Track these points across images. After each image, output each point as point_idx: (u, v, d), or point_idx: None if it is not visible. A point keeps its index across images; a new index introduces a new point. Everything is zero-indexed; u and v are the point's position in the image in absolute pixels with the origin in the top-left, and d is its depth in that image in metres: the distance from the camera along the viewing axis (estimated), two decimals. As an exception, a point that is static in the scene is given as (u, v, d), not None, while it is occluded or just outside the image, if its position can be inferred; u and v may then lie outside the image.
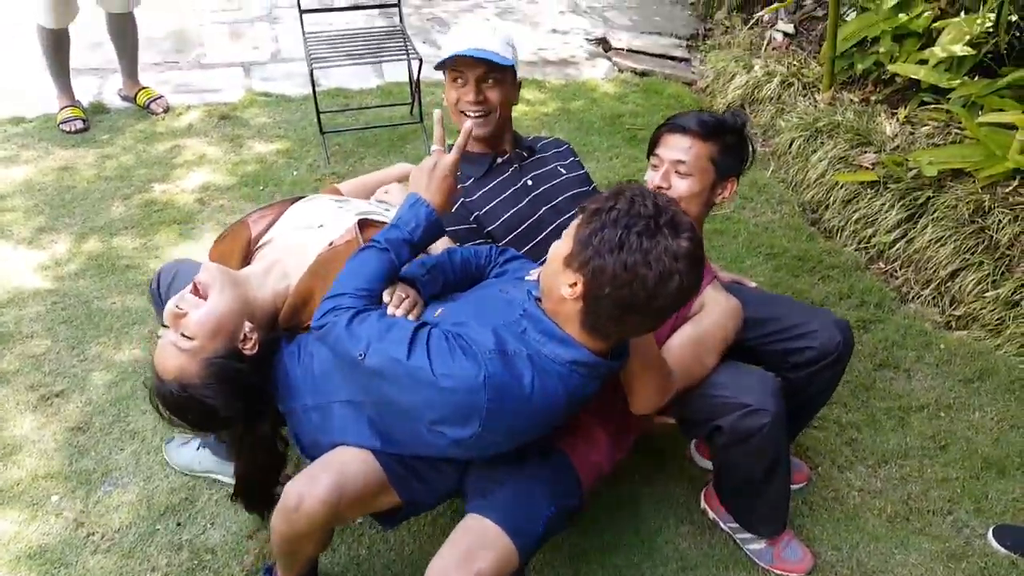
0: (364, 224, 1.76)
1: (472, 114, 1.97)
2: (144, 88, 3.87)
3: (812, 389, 1.96)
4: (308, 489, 1.50)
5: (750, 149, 1.91)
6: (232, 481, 2.07)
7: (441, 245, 1.86)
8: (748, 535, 2.01)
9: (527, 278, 1.58)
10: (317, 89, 3.62)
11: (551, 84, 4.47)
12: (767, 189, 3.59)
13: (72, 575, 1.90)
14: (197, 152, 3.60)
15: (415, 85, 3.76)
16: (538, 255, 1.85)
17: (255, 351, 1.64)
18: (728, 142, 1.84)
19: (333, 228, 1.78)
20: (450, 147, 1.68)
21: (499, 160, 2.05)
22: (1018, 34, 3.74)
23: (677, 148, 1.82)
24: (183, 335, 1.57)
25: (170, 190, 3.33)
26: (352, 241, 1.71)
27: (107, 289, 2.77)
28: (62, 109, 3.67)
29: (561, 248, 1.38)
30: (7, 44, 4.38)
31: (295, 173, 3.48)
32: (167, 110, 3.85)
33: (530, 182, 2.04)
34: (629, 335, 1.47)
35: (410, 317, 1.51)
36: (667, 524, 2.08)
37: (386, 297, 1.53)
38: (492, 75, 1.94)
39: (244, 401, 1.64)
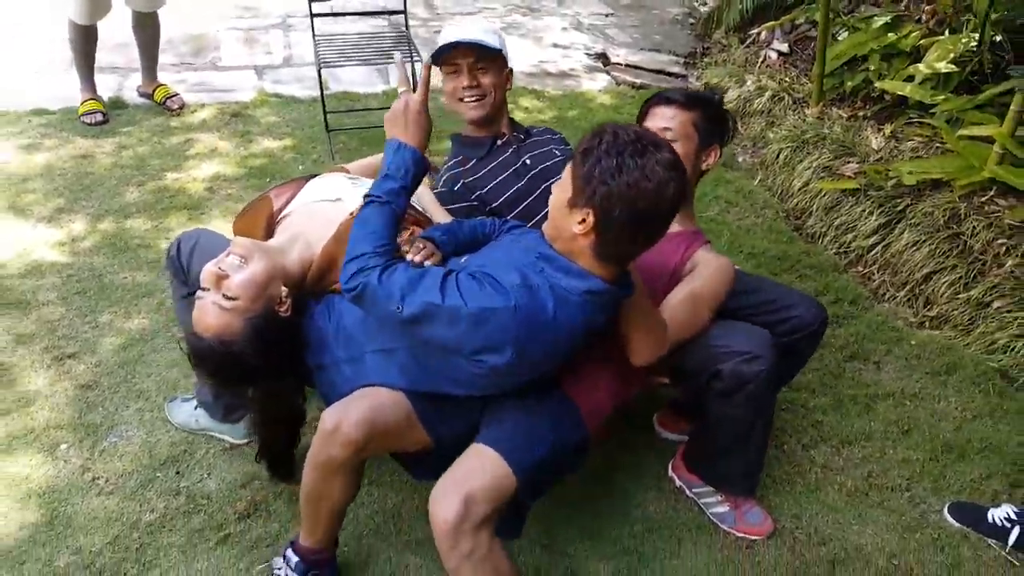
0: None
1: (468, 98, 2.14)
2: (161, 85, 4.05)
3: (789, 359, 2.08)
4: (345, 412, 1.61)
5: (730, 122, 2.08)
6: (225, 438, 2.23)
7: (442, 218, 2.02)
8: (713, 499, 2.13)
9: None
10: (325, 93, 3.80)
11: (550, 94, 4.64)
12: (752, 195, 3.74)
13: (77, 513, 2.04)
14: (209, 145, 3.77)
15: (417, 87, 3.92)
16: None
17: (288, 313, 1.78)
18: (708, 112, 2.02)
19: (351, 200, 1.91)
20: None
21: (498, 142, 2.21)
22: (1000, 53, 3.89)
23: (662, 117, 2.01)
24: (225, 296, 1.69)
25: (182, 179, 3.50)
26: None
27: (119, 265, 2.93)
28: (84, 102, 3.86)
29: (560, 195, 1.53)
30: (41, 40, 4.59)
31: (301, 167, 3.64)
32: (182, 107, 4.03)
33: (528, 161, 2.19)
34: (637, 253, 1.60)
35: (428, 263, 1.64)
36: (635, 489, 2.20)
37: (405, 247, 1.66)
38: (483, 61, 2.11)
39: (277, 357, 1.77)
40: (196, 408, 2.27)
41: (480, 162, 2.17)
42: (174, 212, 3.26)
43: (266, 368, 1.77)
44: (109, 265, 2.92)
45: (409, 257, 1.64)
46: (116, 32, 4.01)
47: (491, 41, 2.09)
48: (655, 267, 1.92)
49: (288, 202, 2.00)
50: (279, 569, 1.86)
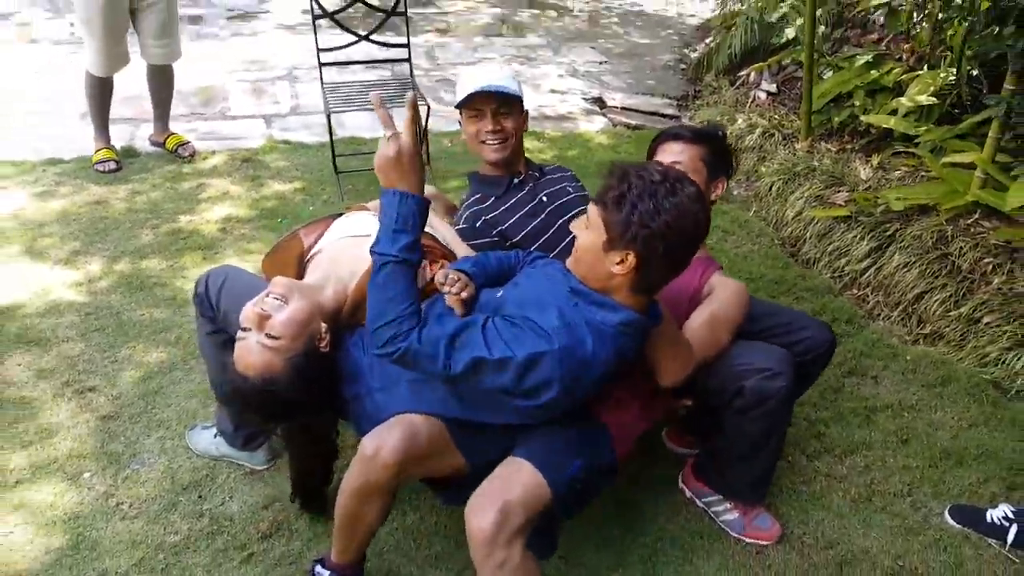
0: None
1: (491, 141, 2.24)
2: (173, 134, 4.20)
3: (799, 379, 2.13)
4: (384, 438, 1.67)
5: (732, 156, 2.19)
6: (245, 465, 2.30)
7: (465, 252, 2.08)
8: (722, 507, 2.19)
9: None
10: (332, 138, 3.94)
11: (549, 135, 4.80)
12: (748, 225, 3.86)
13: (102, 537, 2.09)
14: (220, 189, 3.90)
15: (423, 131, 4.07)
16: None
17: (328, 348, 1.83)
18: (714, 146, 2.15)
19: None
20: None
21: (515, 180, 2.31)
22: (977, 85, 4.06)
23: (672, 152, 2.12)
24: (268, 335, 1.74)
25: (195, 220, 3.61)
26: None
27: (136, 303, 3.02)
28: (98, 151, 4.00)
29: (593, 239, 1.61)
30: (51, 93, 4.76)
31: (311, 208, 3.76)
32: (194, 155, 4.16)
33: (544, 198, 2.29)
34: (669, 281, 1.69)
35: (464, 294, 1.68)
36: (647, 501, 2.26)
37: (440, 277, 1.70)
38: (504, 106, 2.22)
39: (318, 392, 1.83)
40: (216, 436, 2.34)
41: (499, 200, 2.27)
42: (188, 252, 3.36)
43: (306, 403, 1.82)
44: (126, 303, 3.01)
45: (445, 289, 1.68)
46: (128, 85, 4.18)
47: (513, 88, 2.22)
48: (675, 293, 2.00)
49: (317, 240, 2.07)
50: None
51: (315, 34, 3.89)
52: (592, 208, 1.63)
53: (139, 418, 2.48)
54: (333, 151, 3.93)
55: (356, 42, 3.92)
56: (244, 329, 1.77)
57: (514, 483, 1.66)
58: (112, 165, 3.98)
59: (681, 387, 1.96)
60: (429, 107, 3.94)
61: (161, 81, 4.04)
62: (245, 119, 4.75)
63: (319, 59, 3.92)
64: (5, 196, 3.73)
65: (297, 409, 1.84)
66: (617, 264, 1.59)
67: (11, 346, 2.75)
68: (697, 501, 2.25)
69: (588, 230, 1.63)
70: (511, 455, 1.74)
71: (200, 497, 2.22)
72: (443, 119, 4.75)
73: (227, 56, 5.61)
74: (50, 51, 5.54)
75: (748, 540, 2.15)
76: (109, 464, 2.31)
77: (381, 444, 1.67)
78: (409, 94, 1.66)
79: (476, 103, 2.21)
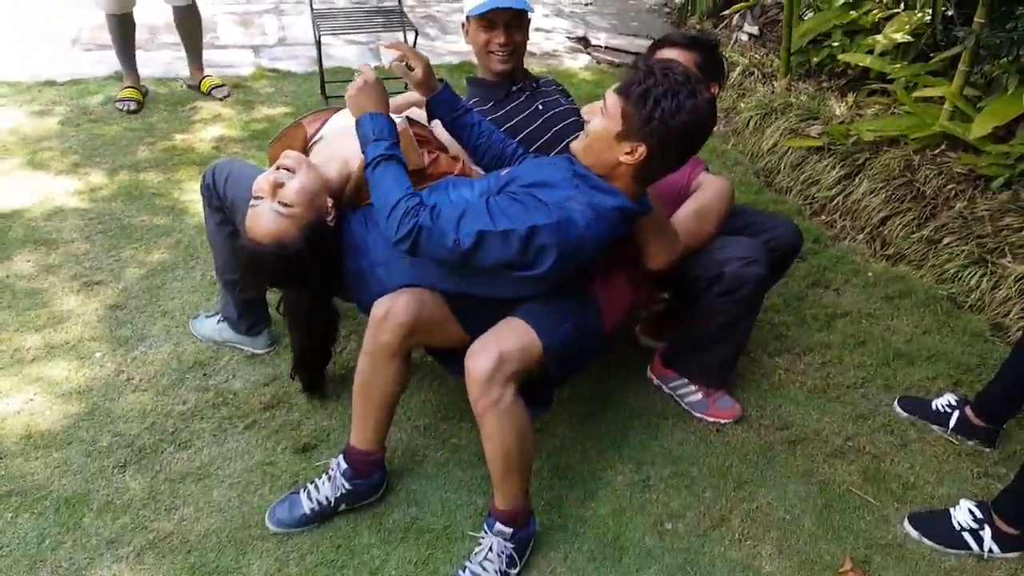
0: (410, 121, 2.10)
1: (500, 52, 2.26)
2: (207, 76, 4.18)
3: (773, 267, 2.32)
4: (393, 301, 1.81)
5: (725, 63, 2.32)
6: (247, 349, 2.45)
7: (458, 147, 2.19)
8: (687, 390, 2.38)
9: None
10: (321, 63, 4.02)
11: (534, 71, 4.87)
12: (725, 155, 4.02)
13: (115, 406, 2.25)
14: (212, 112, 3.99)
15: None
16: None
17: (334, 222, 1.94)
18: (707, 52, 2.26)
19: None
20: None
21: (514, 88, 2.35)
22: (951, 26, 4.20)
23: (668, 57, 2.20)
24: (281, 203, 1.83)
25: (189, 139, 3.72)
26: (404, 130, 2.00)
27: (137, 210, 3.14)
28: (124, 88, 3.99)
29: (604, 126, 1.71)
30: (44, 19, 4.80)
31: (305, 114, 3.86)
32: (228, 96, 4.14)
33: (540, 107, 2.35)
34: (667, 174, 1.83)
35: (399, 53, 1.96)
36: (618, 386, 2.45)
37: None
38: (516, 19, 2.26)
39: (325, 262, 1.94)
40: (219, 323, 2.48)
41: (498, 104, 2.32)
42: (184, 167, 3.47)
43: (315, 271, 1.93)
44: (127, 210, 3.13)
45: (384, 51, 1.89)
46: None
47: (527, 3, 2.28)
48: (666, 188, 2.13)
49: (320, 128, 2.17)
50: (332, 469, 2.00)
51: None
52: (612, 97, 1.70)
53: (145, 308, 2.62)
54: (322, 76, 4.03)
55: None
56: (257, 198, 1.88)
57: (509, 335, 1.80)
58: (132, 105, 3.92)
59: (663, 277, 2.12)
60: (417, 32, 4.03)
61: (190, 22, 4.00)
62: (234, 48, 4.81)
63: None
64: (3, 113, 3.81)
65: (305, 276, 1.95)
66: (627, 154, 1.70)
67: (19, 245, 2.88)
68: (664, 387, 2.44)
69: (603, 118, 1.72)
70: (508, 317, 1.87)
71: (205, 375, 2.38)
72: (428, 52, 4.84)
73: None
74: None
75: (710, 419, 2.35)
76: (118, 346, 2.46)
77: (391, 305, 1.81)
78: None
79: (490, 13, 2.24)
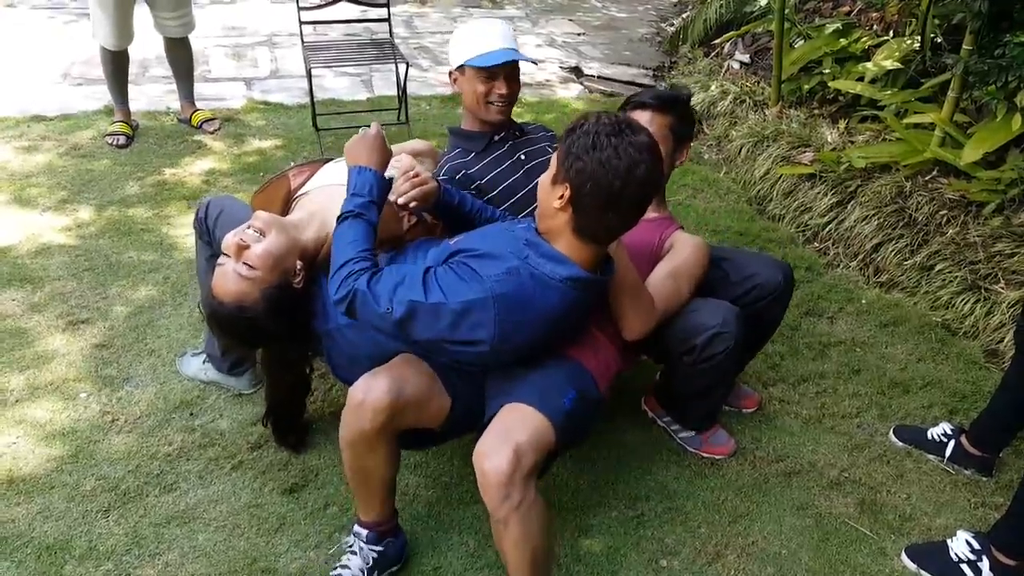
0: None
1: (499, 103, 2.23)
2: (198, 110, 4.15)
3: (759, 325, 2.26)
4: (370, 383, 1.69)
5: (696, 119, 2.28)
6: (233, 388, 2.41)
7: None
8: (680, 426, 2.34)
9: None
10: (312, 95, 4.03)
11: (527, 100, 4.92)
12: (717, 184, 4.01)
13: (99, 448, 2.22)
14: (202, 145, 3.99)
15: (402, 89, 4.18)
16: None
17: (301, 285, 1.92)
18: (680, 112, 2.20)
19: None
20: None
21: (496, 137, 2.32)
22: (940, 52, 4.22)
23: (641, 121, 2.15)
24: (245, 264, 1.83)
25: (179, 173, 3.71)
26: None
27: (124, 246, 3.12)
28: (114, 123, 3.97)
29: (547, 174, 1.67)
30: (32, 55, 4.81)
31: (291, 164, 3.86)
32: (219, 130, 4.11)
33: (523, 156, 2.32)
34: (613, 231, 1.69)
35: (413, 193, 1.85)
36: (612, 422, 2.41)
37: (397, 174, 1.83)
38: (515, 70, 2.24)
39: (288, 324, 1.92)
40: (204, 362, 2.45)
41: (478, 155, 2.29)
42: (174, 202, 3.46)
43: (277, 333, 1.92)
44: (114, 246, 3.12)
45: (399, 180, 1.83)
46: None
47: (527, 54, 2.26)
48: (636, 251, 2.04)
49: (305, 182, 2.16)
50: (351, 545, 1.90)
51: (297, -7, 3.99)
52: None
53: (131, 347, 2.60)
54: (313, 108, 4.03)
55: (336, 1, 4.00)
56: (225, 255, 1.87)
57: (519, 425, 1.67)
58: (122, 140, 3.90)
59: (640, 342, 2.03)
60: (408, 65, 4.05)
61: (181, 55, 3.99)
62: (225, 81, 4.83)
63: (299, 17, 4.01)
64: (-9, 149, 3.81)
65: (267, 336, 1.94)
66: (558, 199, 1.61)
67: (4, 284, 2.86)
68: (658, 421, 2.41)
69: (550, 165, 1.68)
70: (505, 403, 1.75)
71: (192, 415, 2.35)
72: (420, 83, 4.87)
73: (206, 22, 5.62)
74: (28, 15, 5.59)
75: (705, 455, 2.31)
76: (104, 386, 2.43)
77: (368, 388, 1.69)
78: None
79: (496, 67, 2.18)
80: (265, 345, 2.07)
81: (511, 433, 1.65)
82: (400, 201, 1.88)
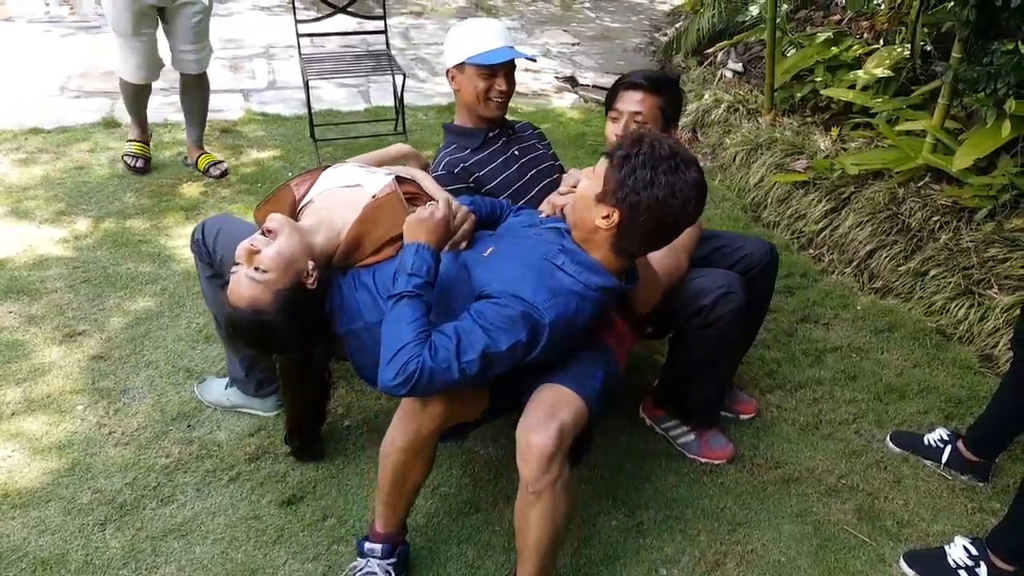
0: (399, 180, 2.08)
1: (498, 99, 2.31)
2: (205, 153, 3.89)
3: (752, 297, 2.26)
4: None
5: (683, 100, 2.33)
6: (257, 412, 2.40)
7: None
8: (679, 431, 2.35)
9: (541, 215, 1.99)
10: (310, 105, 4.05)
11: (522, 109, 4.94)
12: (712, 191, 4.02)
13: (95, 461, 2.21)
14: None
15: (399, 100, 4.19)
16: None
17: (315, 286, 1.92)
18: (671, 94, 2.25)
19: (371, 185, 2.08)
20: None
21: (491, 134, 2.40)
22: (930, 60, 4.26)
23: (633, 101, 2.22)
24: (257, 268, 1.83)
25: (176, 185, 3.71)
26: (392, 193, 1.99)
27: (122, 258, 3.12)
28: (131, 142, 3.84)
29: (590, 187, 1.70)
30: (29, 68, 4.82)
31: (289, 174, 3.87)
32: (224, 174, 3.83)
33: (516, 152, 2.41)
34: (647, 252, 1.81)
35: (465, 226, 1.91)
36: (609, 427, 2.41)
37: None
38: (513, 67, 2.32)
39: (304, 327, 1.93)
40: (227, 388, 2.42)
41: (475, 151, 2.36)
42: (171, 213, 3.46)
43: (293, 336, 1.92)
44: (112, 258, 3.12)
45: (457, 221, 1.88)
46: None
47: (525, 52, 2.31)
48: None
49: (308, 190, 2.15)
50: (362, 569, 1.89)
51: (293, 4, 4.01)
52: (602, 159, 1.70)
53: (128, 359, 2.59)
54: (311, 118, 4.05)
55: (333, 13, 4.03)
56: (236, 264, 1.88)
57: (561, 406, 1.73)
58: (140, 163, 3.78)
59: (647, 315, 2.11)
60: (405, 76, 4.06)
61: (196, 93, 3.76)
62: (223, 93, 4.84)
63: (296, 29, 4.03)
64: (-12, 161, 3.81)
65: (285, 340, 1.93)
66: (603, 218, 1.68)
67: (1, 296, 2.85)
68: (656, 428, 2.42)
69: (591, 179, 1.71)
70: (542, 384, 1.80)
71: (189, 427, 2.34)
72: (416, 94, 4.89)
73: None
74: (25, 28, 5.60)
75: (704, 460, 2.32)
76: (100, 398, 2.42)
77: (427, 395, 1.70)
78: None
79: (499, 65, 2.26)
80: (284, 350, 2.06)
81: (557, 412, 1.71)
82: (462, 247, 1.95)
